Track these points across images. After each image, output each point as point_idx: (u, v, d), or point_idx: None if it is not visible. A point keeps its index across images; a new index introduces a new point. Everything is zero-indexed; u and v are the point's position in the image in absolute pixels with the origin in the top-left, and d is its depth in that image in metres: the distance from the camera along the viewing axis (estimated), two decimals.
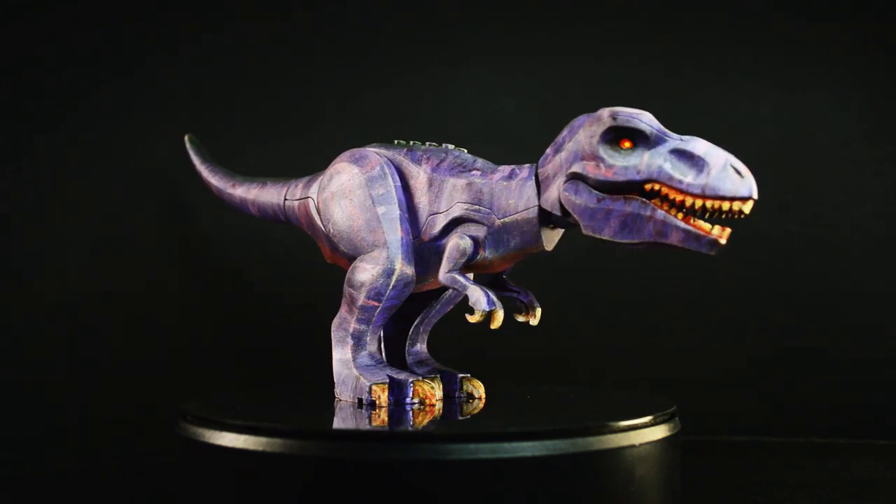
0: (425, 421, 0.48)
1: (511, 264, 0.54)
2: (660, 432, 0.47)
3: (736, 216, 0.45)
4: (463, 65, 0.83)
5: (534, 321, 0.54)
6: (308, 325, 0.76)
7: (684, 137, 0.47)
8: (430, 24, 0.83)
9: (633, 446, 0.45)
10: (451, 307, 0.58)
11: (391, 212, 0.53)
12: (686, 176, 0.45)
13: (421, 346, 0.58)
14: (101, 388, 0.72)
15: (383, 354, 0.56)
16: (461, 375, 0.56)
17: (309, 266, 0.78)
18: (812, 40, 0.83)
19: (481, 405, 0.53)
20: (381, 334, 0.56)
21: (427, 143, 0.57)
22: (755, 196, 0.45)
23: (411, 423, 0.48)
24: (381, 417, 0.49)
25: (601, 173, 0.47)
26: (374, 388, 0.51)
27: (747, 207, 0.45)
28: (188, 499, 0.48)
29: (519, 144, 0.82)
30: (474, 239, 0.51)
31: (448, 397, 0.55)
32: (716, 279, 0.82)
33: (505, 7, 0.83)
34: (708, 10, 0.83)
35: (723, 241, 0.45)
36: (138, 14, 0.76)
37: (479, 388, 0.55)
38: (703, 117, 0.83)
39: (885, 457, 0.72)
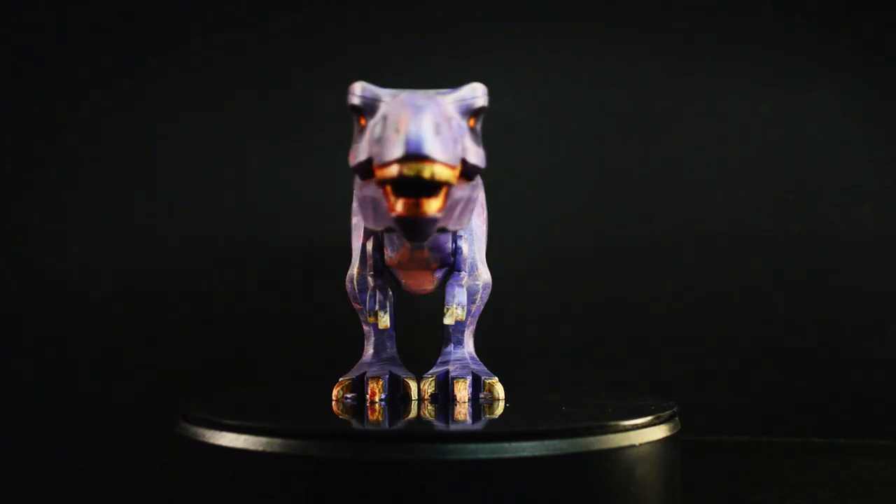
0: (375, 418, 0.49)
1: (427, 260, 0.52)
2: (660, 432, 0.47)
3: (428, 187, 0.38)
4: (463, 64, 0.83)
5: (446, 319, 0.52)
6: (309, 325, 0.77)
7: (393, 95, 0.41)
8: (430, 24, 0.83)
9: (633, 446, 0.45)
10: (473, 305, 0.56)
11: (360, 220, 0.55)
12: (373, 146, 0.39)
13: (447, 347, 0.57)
14: (102, 388, 0.72)
15: (382, 351, 0.56)
16: (454, 376, 0.54)
17: (310, 267, 0.78)
18: (812, 40, 0.83)
19: (464, 407, 0.52)
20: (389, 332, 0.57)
21: None
22: (417, 151, 0.36)
23: (352, 420, 0.48)
24: (337, 412, 0.50)
25: (349, 159, 0.43)
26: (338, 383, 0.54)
27: (412, 170, 0.37)
28: (188, 499, 0.48)
29: (519, 144, 0.82)
30: (381, 240, 0.52)
31: (449, 399, 0.55)
32: (716, 279, 0.82)
33: (505, 7, 0.83)
34: (708, 11, 0.83)
35: (405, 213, 0.38)
36: (140, 14, 0.76)
37: (462, 391, 0.54)
38: (703, 117, 0.83)
39: (885, 457, 0.72)
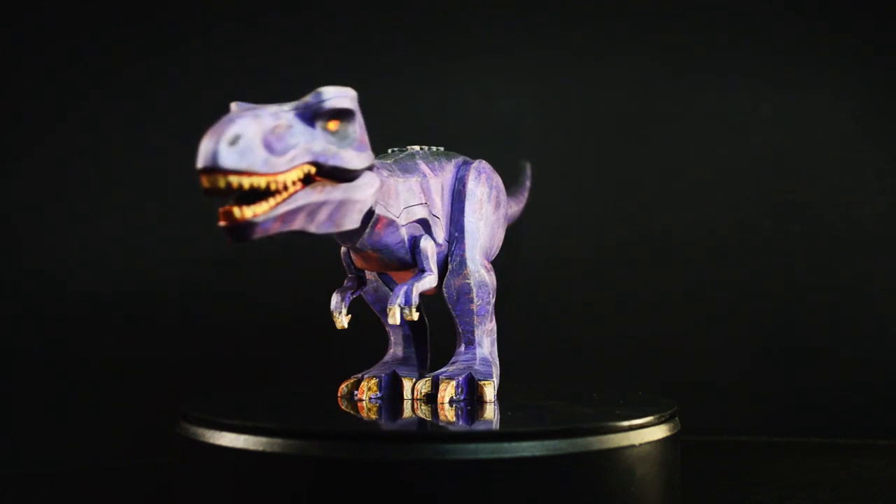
0: (367, 416, 0.49)
1: (382, 261, 0.52)
2: (660, 432, 0.47)
3: (250, 195, 0.40)
4: (463, 64, 0.83)
5: (389, 318, 0.51)
6: (309, 325, 0.77)
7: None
8: (430, 24, 0.83)
9: (633, 446, 0.45)
10: (472, 304, 0.55)
11: None
12: None
13: (459, 347, 0.57)
14: (102, 388, 0.72)
15: (399, 351, 0.58)
16: (443, 377, 0.53)
17: (311, 268, 0.78)
18: (812, 40, 0.83)
19: (443, 409, 0.51)
20: (402, 332, 0.58)
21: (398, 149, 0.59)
22: (206, 164, 0.38)
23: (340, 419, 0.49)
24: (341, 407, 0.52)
25: None
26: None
27: (209, 181, 0.39)
28: (188, 499, 0.48)
29: (519, 144, 0.82)
30: None
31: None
32: (716, 279, 0.82)
33: (505, 7, 0.83)
34: (708, 10, 0.83)
35: (221, 223, 0.40)
36: (140, 15, 0.76)
37: (443, 391, 0.53)
38: (703, 117, 0.83)
39: (885, 457, 0.72)
